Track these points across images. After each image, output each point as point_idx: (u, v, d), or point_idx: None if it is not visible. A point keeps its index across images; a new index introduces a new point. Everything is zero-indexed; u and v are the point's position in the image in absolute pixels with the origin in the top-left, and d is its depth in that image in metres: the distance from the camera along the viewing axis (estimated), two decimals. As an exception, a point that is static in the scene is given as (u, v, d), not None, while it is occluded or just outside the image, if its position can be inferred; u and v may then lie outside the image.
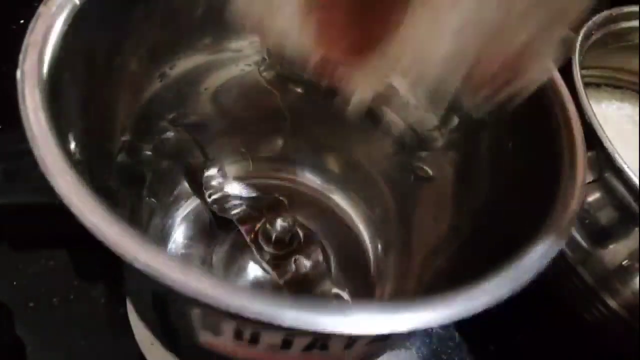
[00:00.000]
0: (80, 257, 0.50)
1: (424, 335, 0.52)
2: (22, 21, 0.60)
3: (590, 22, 0.54)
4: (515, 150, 0.40)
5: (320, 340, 0.28)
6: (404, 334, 0.34)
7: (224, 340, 0.29)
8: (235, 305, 0.22)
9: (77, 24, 0.33)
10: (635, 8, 0.58)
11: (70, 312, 0.48)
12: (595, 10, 0.56)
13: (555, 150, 0.35)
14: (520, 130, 0.39)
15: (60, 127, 0.28)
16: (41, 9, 0.32)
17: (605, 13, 0.56)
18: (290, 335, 0.27)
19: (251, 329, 0.27)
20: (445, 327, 0.53)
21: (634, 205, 0.45)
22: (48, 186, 0.24)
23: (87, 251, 0.48)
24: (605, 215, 0.49)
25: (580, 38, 0.52)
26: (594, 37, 0.55)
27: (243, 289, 0.23)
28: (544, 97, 0.37)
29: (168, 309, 0.33)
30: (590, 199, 0.48)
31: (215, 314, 0.27)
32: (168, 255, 0.24)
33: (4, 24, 0.60)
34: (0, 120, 0.53)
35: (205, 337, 0.30)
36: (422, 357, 0.51)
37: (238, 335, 0.28)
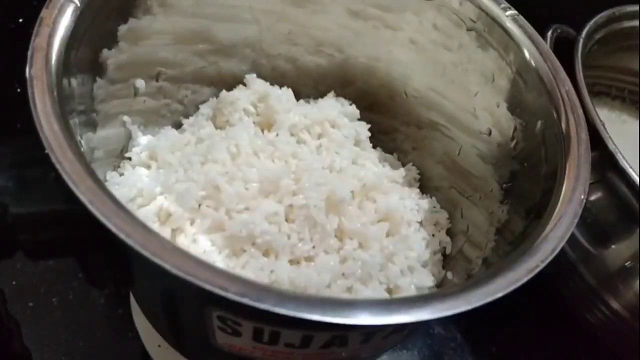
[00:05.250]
0: (88, 262, 0.50)
1: (425, 336, 0.52)
2: (20, 20, 0.59)
3: (592, 22, 0.54)
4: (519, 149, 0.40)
5: (340, 337, 0.29)
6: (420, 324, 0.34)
7: (241, 341, 0.29)
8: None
9: (79, 25, 0.33)
10: (636, 7, 0.57)
11: (70, 312, 0.47)
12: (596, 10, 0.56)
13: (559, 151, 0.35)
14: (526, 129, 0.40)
15: (70, 128, 0.28)
16: (43, 12, 0.31)
17: (607, 12, 0.56)
18: (309, 333, 0.28)
19: (271, 329, 0.27)
20: (446, 328, 0.53)
21: (636, 205, 0.45)
22: (62, 193, 0.23)
23: (94, 256, 0.48)
24: (608, 216, 0.49)
25: (582, 38, 0.52)
26: (596, 37, 0.55)
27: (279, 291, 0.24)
28: (552, 98, 0.38)
29: (181, 311, 0.33)
30: (592, 198, 0.48)
31: (240, 316, 0.27)
32: (197, 258, 0.24)
33: (3, 24, 0.60)
34: (3, 122, 0.53)
35: (222, 339, 0.30)
36: (423, 358, 0.51)
37: (257, 335, 0.28)
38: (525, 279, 0.28)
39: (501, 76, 0.41)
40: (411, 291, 0.40)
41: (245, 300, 0.23)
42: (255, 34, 0.47)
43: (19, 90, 0.53)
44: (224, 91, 0.48)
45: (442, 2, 0.43)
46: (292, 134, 0.46)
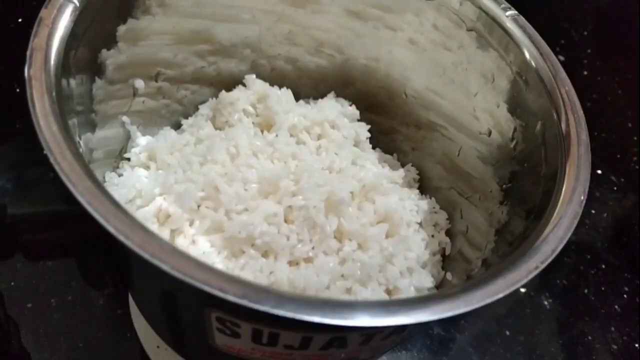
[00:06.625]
0: (87, 263, 0.49)
1: (425, 337, 0.52)
2: (20, 20, 0.59)
3: None
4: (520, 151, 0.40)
5: (339, 338, 0.28)
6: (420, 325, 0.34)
7: (240, 342, 0.29)
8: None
9: (78, 25, 0.33)
10: None
11: (69, 313, 0.47)
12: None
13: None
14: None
15: (69, 129, 0.28)
16: (42, 12, 0.31)
17: None
18: (308, 334, 0.28)
19: (270, 331, 0.27)
20: (446, 329, 0.53)
21: None
22: (60, 194, 0.23)
23: (93, 257, 0.48)
24: None
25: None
26: None
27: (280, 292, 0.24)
28: (552, 98, 0.38)
29: (180, 313, 0.33)
30: None
31: (239, 317, 0.27)
32: (196, 259, 0.24)
33: (3, 24, 0.60)
34: (2, 123, 0.53)
35: (221, 340, 0.30)
36: (422, 359, 0.51)
37: (256, 337, 0.28)
38: (525, 280, 0.28)
39: (501, 76, 0.41)
40: (410, 292, 0.40)
41: (245, 302, 0.23)
42: (255, 34, 0.47)
43: (18, 90, 0.53)
44: (223, 92, 0.48)
45: (442, 2, 0.43)
46: (291, 135, 0.46)
